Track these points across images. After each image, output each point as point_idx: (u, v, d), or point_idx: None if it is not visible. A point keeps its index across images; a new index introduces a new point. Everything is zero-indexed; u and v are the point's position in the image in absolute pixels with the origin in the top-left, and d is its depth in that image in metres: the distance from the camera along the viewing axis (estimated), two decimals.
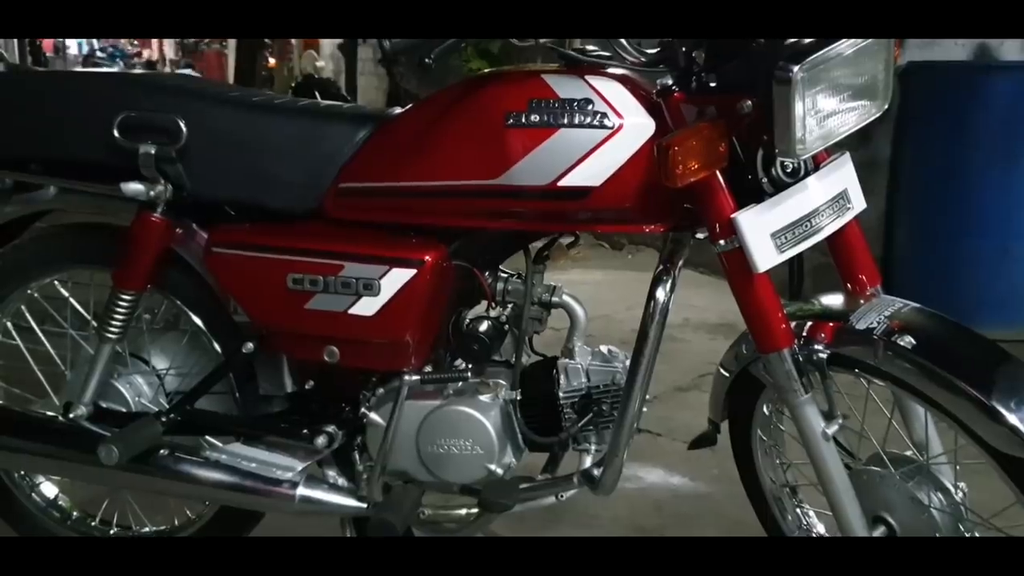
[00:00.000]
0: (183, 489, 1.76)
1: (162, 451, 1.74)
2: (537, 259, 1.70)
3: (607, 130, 1.49)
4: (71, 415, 1.80)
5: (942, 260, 3.75)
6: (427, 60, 1.42)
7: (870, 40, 1.37)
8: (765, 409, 1.75)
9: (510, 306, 1.72)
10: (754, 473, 1.85)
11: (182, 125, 1.63)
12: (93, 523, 2.06)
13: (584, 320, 1.71)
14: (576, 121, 1.49)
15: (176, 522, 2.02)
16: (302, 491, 1.70)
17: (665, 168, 1.36)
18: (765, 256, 1.44)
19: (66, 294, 1.94)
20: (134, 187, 1.66)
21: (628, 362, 1.71)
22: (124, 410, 1.86)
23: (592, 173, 1.50)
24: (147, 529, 2.03)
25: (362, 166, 1.64)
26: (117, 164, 1.67)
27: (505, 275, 1.71)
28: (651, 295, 1.52)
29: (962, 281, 3.69)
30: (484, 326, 1.70)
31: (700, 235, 1.56)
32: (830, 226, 1.50)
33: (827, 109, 1.36)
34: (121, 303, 1.76)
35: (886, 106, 1.45)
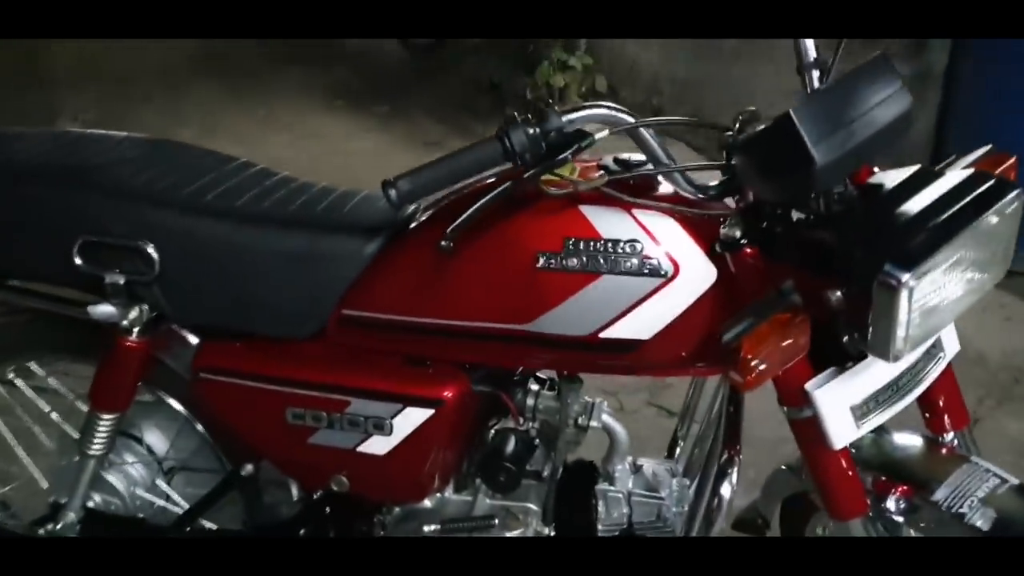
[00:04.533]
0: None
1: None
2: (571, 376, 1.49)
3: (659, 279, 1.24)
4: (59, 524, 1.64)
5: None
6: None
7: (999, 216, 1.10)
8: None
9: (540, 420, 1.53)
10: None
11: (153, 253, 1.38)
12: None
13: (626, 442, 1.52)
14: (622, 267, 1.25)
15: None
16: None
17: (736, 372, 1.13)
18: (843, 433, 1.23)
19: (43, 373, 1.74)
20: (104, 311, 1.44)
21: (675, 485, 1.54)
22: (120, 508, 1.71)
23: (641, 326, 1.27)
24: None
25: (369, 293, 1.40)
26: (83, 285, 1.44)
27: (535, 389, 1.50)
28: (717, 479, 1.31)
29: None
30: (511, 444, 1.51)
31: None
32: (920, 386, 1.28)
33: (934, 303, 1.11)
34: (102, 423, 1.57)
35: (1003, 274, 1.19)
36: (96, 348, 1.61)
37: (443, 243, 1.19)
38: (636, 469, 1.55)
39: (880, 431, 1.42)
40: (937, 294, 1.09)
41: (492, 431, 1.54)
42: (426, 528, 1.48)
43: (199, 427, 1.66)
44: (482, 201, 1.19)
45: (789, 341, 1.12)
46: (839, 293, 1.10)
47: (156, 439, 1.75)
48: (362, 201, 1.47)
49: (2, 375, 1.74)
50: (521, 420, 1.51)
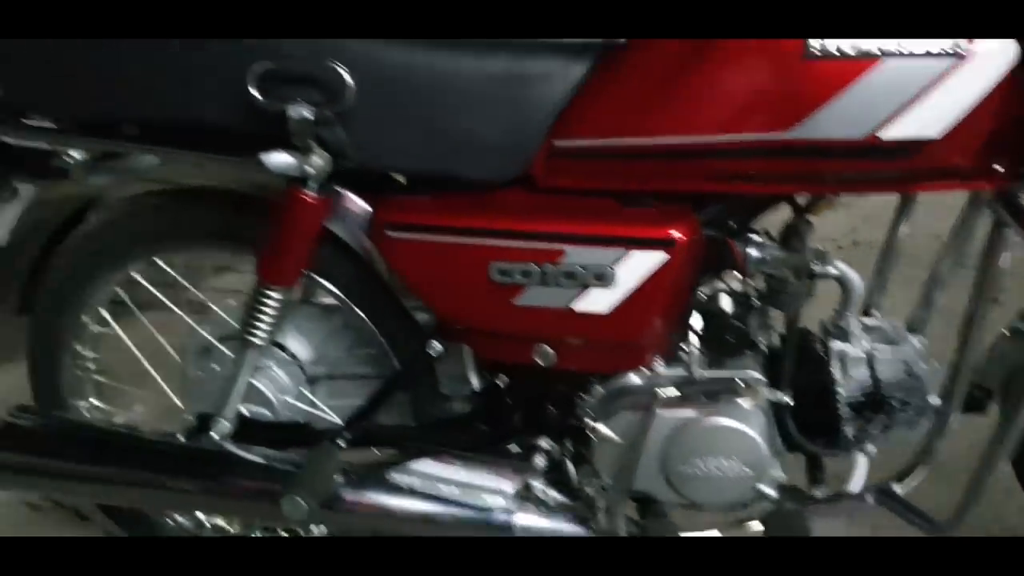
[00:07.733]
0: (371, 524, 1.42)
1: (337, 478, 1.40)
2: (800, 216, 1.32)
3: (951, 59, 1.07)
4: (214, 433, 1.45)
5: None
6: None
7: None
8: None
9: (763, 275, 1.35)
10: None
11: (346, 77, 1.20)
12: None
13: (862, 293, 1.34)
14: (907, 48, 1.07)
15: None
16: (521, 519, 1.37)
17: None
18: None
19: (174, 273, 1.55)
20: (282, 160, 1.24)
21: (915, 340, 1.37)
22: (269, 416, 1.52)
23: (930, 120, 1.09)
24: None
25: (583, 117, 1.22)
26: (255, 129, 1.25)
27: (759, 239, 1.33)
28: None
29: None
30: (730, 304, 1.34)
31: None
32: None
33: None
34: (271, 301, 1.37)
35: None
36: (240, 232, 1.44)
37: None
38: (870, 328, 1.38)
39: None
40: None
41: (702, 295, 1.36)
42: (661, 390, 1.29)
43: (361, 318, 1.47)
44: None
45: None
46: None
47: (298, 345, 1.56)
48: None
49: (122, 274, 1.54)
50: (740, 278, 1.34)
